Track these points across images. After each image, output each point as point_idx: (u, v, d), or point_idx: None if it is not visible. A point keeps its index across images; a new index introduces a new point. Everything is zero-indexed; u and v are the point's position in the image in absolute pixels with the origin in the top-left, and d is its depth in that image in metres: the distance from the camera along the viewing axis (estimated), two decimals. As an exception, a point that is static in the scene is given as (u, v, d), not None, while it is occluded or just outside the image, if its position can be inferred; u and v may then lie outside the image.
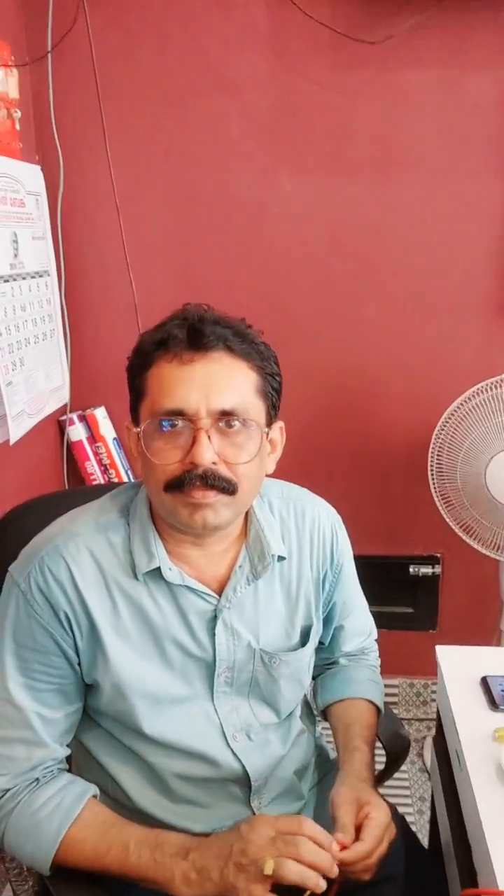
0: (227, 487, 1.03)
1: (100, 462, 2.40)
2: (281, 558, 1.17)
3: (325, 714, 1.34)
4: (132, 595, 1.09)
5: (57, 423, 2.36)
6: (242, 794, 1.18)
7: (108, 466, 2.40)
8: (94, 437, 2.38)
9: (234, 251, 2.27)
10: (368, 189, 2.20)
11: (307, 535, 1.22)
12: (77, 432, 2.37)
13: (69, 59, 2.13)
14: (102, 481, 2.40)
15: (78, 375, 2.35)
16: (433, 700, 2.53)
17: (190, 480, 1.01)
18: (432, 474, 2.07)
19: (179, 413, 1.01)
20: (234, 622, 1.13)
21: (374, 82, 2.12)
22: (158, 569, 1.08)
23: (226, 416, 1.02)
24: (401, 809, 1.24)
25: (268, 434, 1.09)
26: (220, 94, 2.16)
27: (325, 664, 1.38)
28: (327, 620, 1.30)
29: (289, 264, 2.28)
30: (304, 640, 1.22)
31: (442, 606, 2.52)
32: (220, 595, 1.13)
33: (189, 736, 1.12)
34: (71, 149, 2.20)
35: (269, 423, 1.09)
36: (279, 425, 1.13)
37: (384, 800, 1.11)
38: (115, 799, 1.15)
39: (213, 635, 1.12)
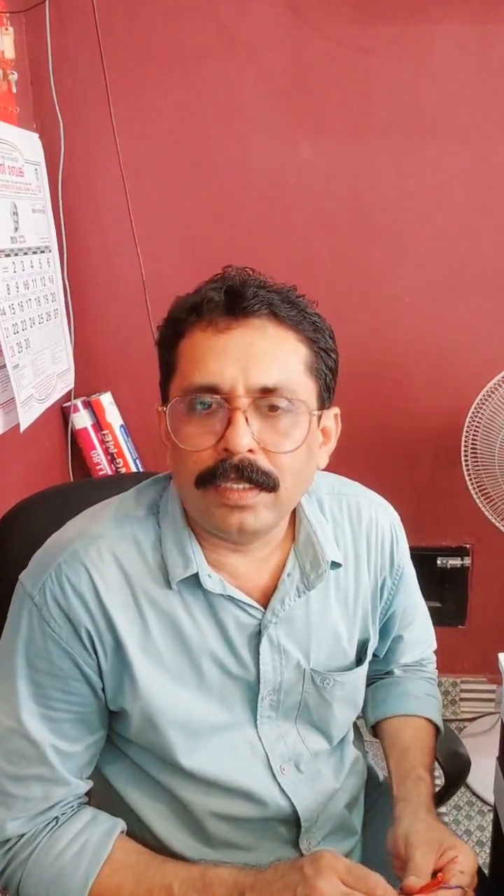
0: (266, 482, 0.87)
1: (106, 451, 2.26)
2: (336, 565, 1.03)
3: (373, 729, 1.20)
4: (164, 607, 0.95)
5: (60, 410, 2.22)
6: (290, 836, 1.03)
7: (115, 455, 2.27)
8: (99, 424, 2.25)
9: (249, 224, 2.15)
10: (394, 156, 2.09)
11: (363, 537, 1.07)
12: (82, 419, 2.24)
13: (69, 14, 2.00)
14: (109, 471, 2.27)
15: (82, 359, 2.22)
16: (462, 699, 2.43)
17: (223, 472, 0.86)
18: (466, 460, 1.95)
19: (212, 390, 0.86)
20: (282, 639, 0.99)
21: (399, 38, 2.01)
22: (194, 576, 0.94)
23: (268, 395, 0.87)
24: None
25: (319, 420, 0.94)
26: (233, 54, 2.05)
27: (376, 676, 1.23)
28: (384, 631, 1.16)
29: (308, 238, 2.16)
30: (361, 657, 1.08)
31: (471, 600, 2.41)
32: (264, 607, 0.98)
33: (232, 770, 0.98)
34: (72, 114, 2.07)
35: (322, 408, 0.94)
36: (334, 412, 0.98)
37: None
38: (142, 841, 1.00)
39: (256, 653, 0.98)
